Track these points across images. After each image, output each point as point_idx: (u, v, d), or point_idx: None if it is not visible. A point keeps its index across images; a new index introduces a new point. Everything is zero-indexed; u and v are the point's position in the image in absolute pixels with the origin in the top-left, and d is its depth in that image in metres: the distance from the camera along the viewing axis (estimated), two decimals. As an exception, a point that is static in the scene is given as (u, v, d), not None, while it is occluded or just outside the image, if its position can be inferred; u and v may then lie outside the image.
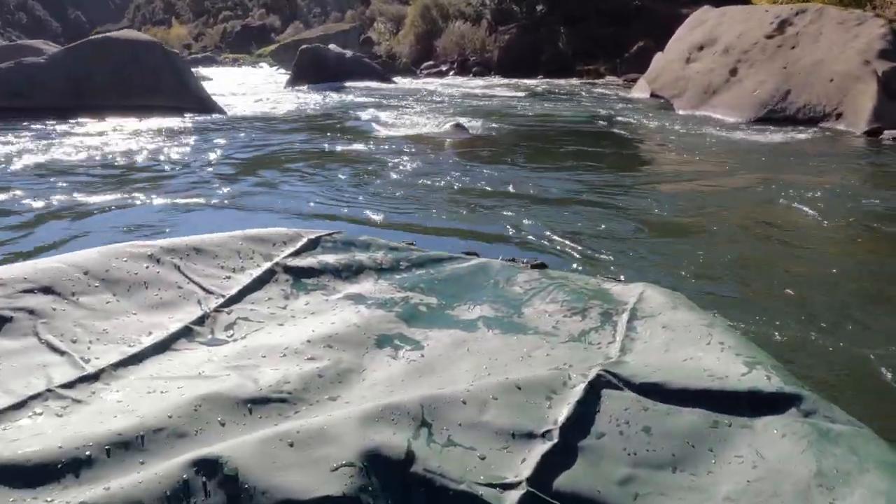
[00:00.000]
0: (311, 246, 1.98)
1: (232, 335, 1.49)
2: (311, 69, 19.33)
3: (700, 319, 1.64)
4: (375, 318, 1.61)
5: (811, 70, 10.58)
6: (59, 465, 0.97)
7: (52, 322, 1.41)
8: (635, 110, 13.08)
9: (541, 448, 1.12)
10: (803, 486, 1.09)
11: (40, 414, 1.12)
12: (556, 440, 1.14)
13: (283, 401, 1.22)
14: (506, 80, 24.27)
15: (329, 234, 2.06)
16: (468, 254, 2.17)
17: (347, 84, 18.88)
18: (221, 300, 1.63)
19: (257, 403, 1.19)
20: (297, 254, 1.92)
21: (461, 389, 1.25)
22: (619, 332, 1.59)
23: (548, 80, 24.26)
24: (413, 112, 12.30)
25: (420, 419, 1.15)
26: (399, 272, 1.92)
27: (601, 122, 11.33)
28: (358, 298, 1.73)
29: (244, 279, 1.74)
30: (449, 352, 1.48)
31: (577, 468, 1.10)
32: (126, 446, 1.03)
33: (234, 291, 1.67)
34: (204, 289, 1.67)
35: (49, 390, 1.18)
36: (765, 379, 1.32)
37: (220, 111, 11.83)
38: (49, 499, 0.92)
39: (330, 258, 1.93)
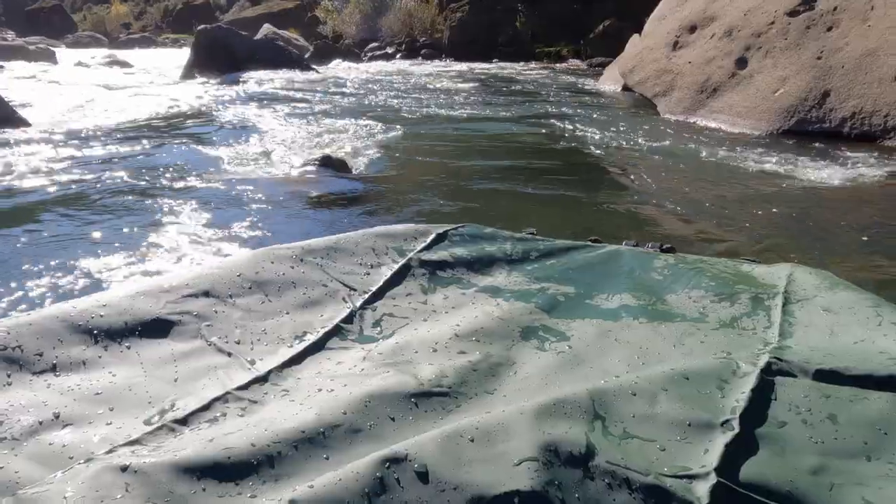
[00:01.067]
0: (441, 240, 1.96)
1: (380, 332, 1.50)
2: (212, 56, 15.42)
3: (864, 300, 1.56)
4: (517, 311, 1.59)
5: (861, 63, 7.13)
6: (255, 462, 0.99)
7: (215, 324, 1.45)
8: (604, 113, 9.57)
9: (722, 438, 1.08)
10: None
11: (224, 415, 1.15)
12: (736, 430, 1.09)
13: (444, 395, 1.22)
14: (456, 65, 20.58)
15: (455, 228, 2.05)
16: (593, 241, 2.13)
17: (255, 75, 15.01)
18: (365, 297, 1.64)
19: (421, 398, 1.19)
20: (428, 248, 1.91)
21: (628, 381, 1.22)
22: (775, 316, 1.52)
23: (503, 64, 20.65)
24: (303, 123, 8.64)
25: (592, 412, 1.12)
26: (530, 262, 1.89)
27: (556, 135, 7.79)
28: (495, 291, 1.71)
29: (383, 275, 1.74)
30: (597, 342, 1.45)
31: (763, 457, 1.05)
32: (311, 442, 1.05)
33: (375, 288, 1.68)
34: (347, 286, 1.67)
35: (228, 392, 1.21)
36: None
37: (20, 122, 8.06)
38: (253, 494, 0.94)
39: (461, 251, 1.91)
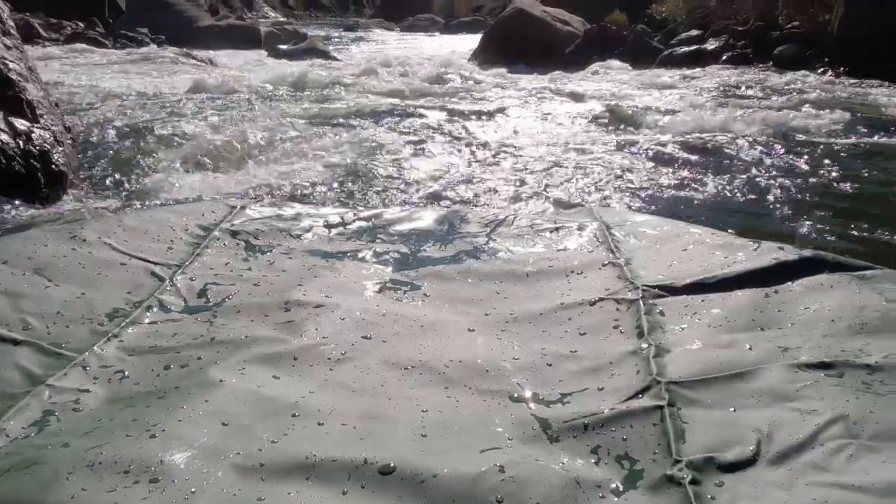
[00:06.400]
0: (244, 212, 1.76)
1: (207, 301, 1.31)
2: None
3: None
4: (357, 270, 1.47)
5: None
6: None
7: None
8: None
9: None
10: None
11: (53, 414, 0.93)
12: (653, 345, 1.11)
13: (324, 345, 1.13)
14: (854, 88, 7.73)
15: (255, 201, 1.92)
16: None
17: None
18: (176, 270, 1.39)
19: (301, 353, 1.10)
20: (232, 220, 1.69)
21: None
22: (604, 239, 1.54)
23: None
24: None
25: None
26: (348, 226, 1.74)
27: None
28: (324, 254, 1.56)
29: (188, 248, 1.51)
30: (450, 287, 1.37)
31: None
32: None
33: (185, 260, 1.45)
34: (149, 261, 1.42)
35: (44, 384, 0.99)
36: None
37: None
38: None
39: (272, 221, 1.71)
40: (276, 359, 1.06)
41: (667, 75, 10.19)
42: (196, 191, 3.46)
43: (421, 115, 5.67)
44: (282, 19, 45.70)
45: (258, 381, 0.99)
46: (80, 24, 18.92)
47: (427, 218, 1.80)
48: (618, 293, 1.28)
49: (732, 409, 0.92)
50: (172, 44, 15.26)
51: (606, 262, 1.42)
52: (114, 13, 20.70)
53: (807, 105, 6.41)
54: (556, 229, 1.62)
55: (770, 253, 1.32)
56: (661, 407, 0.93)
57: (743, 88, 8.05)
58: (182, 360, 1.06)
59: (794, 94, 7.64)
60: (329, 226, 1.71)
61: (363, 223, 1.74)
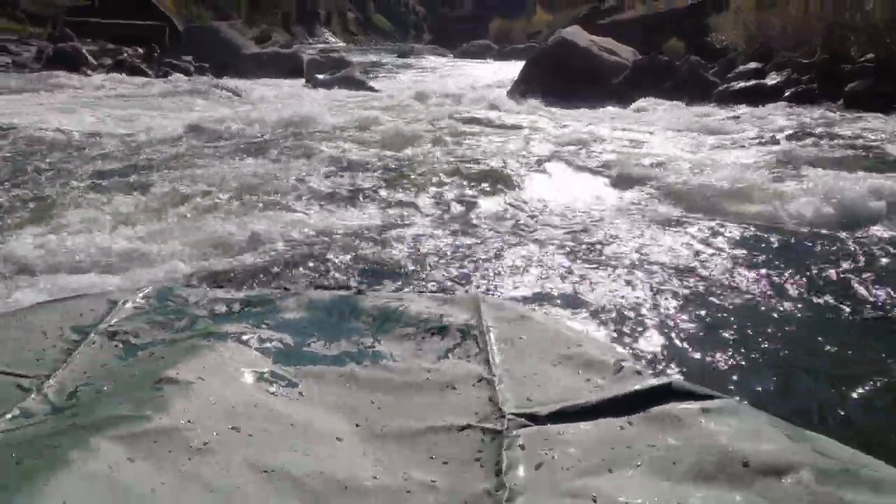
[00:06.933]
0: (125, 307, 1.66)
1: (78, 400, 1.23)
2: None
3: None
4: (238, 353, 1.43)
5: None
6: None
7: None
8: None
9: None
10: None
11: None
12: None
13: (188, 429, 1.09)
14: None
15: (139, 293, 1.76)
16: (285, 289, 2.06)
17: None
18: (45, 379, 1.30)
19: (165, 435, 1.07)
20: (111, 318, 1.60)
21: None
22: (483, 346, 1.55)
23: None
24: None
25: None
26: (233, 316, 1.68)
27: None
28: (209, 347, 1.47)
29: (62, 357, 1.40)
30: (328, 390, 1.35)
31: None
32: None
33: (58, 370, 1.35)
34: (19, 375, 1.31)
35: None
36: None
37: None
38: None
39: (153, 316, 1.63)
40: (136, 438, 1.02)
41: (719, 115, 9.16)
42: (94, 263, 2.89)
43: (409, 170, 4.97)
44: (341, 44, 46.33)
45: (111, 462, 0.96)
46: (140, 49, 19.32)
47: (319, 303, 1.74)
48: (486, 420, 1.27)
49: None
50: (216, 72, 15.24)
51: (481, 378, 1.42)
52: (174, 40, 21.11)
53: (878, 164, 5.37)
54: (441, 330, 1.60)
55: (628, 378, 1.35)
56: None
57: (802, 137, 6.97)
58: (37, 451, 1.02)
59: (862, 142, 6.56)
60: (214, 314, 1.66)
61: (252, 308, 1.70)
